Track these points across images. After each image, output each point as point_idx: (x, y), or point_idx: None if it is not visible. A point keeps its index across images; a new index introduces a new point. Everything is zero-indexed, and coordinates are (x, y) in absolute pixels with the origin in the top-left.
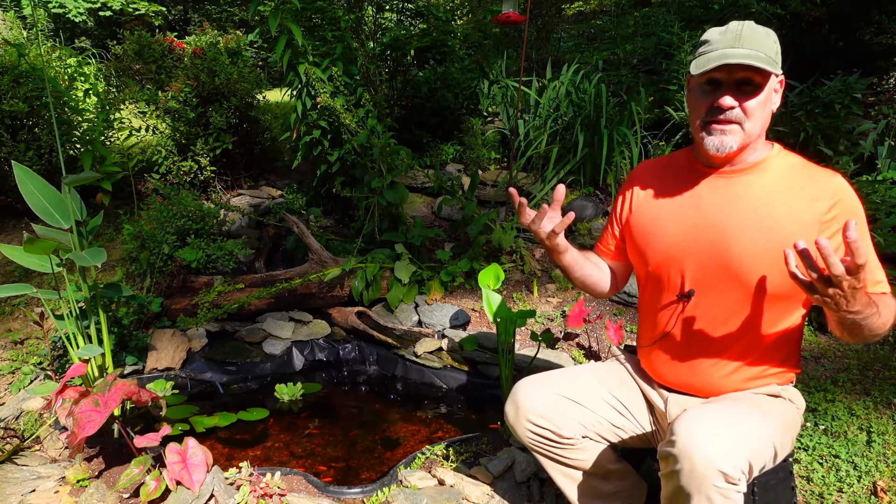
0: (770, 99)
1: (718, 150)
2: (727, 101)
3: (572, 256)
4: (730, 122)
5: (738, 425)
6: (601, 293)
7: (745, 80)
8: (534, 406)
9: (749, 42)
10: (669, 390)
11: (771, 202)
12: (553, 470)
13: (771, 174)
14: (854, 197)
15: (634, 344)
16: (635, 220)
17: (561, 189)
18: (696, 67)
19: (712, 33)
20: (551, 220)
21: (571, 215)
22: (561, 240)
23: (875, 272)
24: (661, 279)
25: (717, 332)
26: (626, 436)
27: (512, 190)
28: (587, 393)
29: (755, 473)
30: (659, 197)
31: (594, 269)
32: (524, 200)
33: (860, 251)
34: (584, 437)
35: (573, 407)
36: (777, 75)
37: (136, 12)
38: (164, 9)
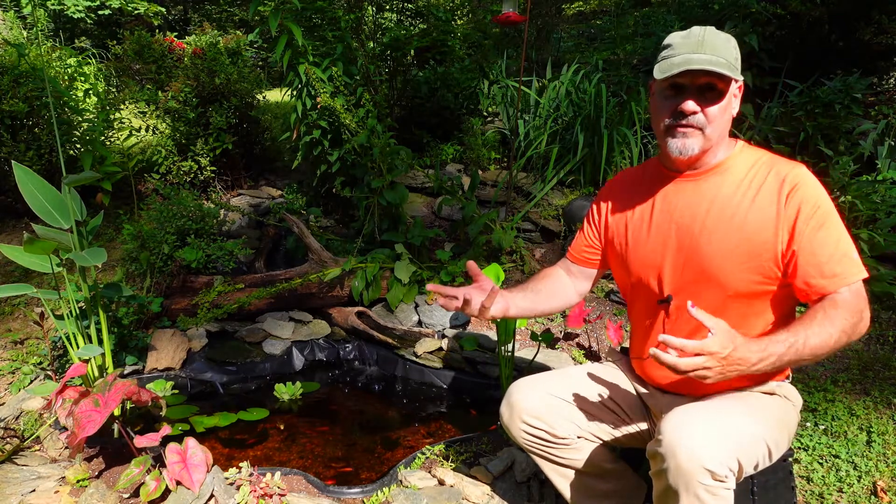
0: (730, 104)
1: (681, 152)
2: (690, 105)
3: (518, 308)
4: (691, 126)
5: (725, 423)
6: (566, 309)
7: (708, 86)
8: (528, 406)
9: (711, 48)
10: (663, 392)
11: (736, 200)
12: (549, 470)
13: (734, 172)
14: (814, 185)
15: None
16: (614, 234)
17: (472, 265)
18: (660, 72)
19: (674, 38)
20: (479, 296)
21: (496, 289)
22: (496, 308)
23: (833, 265)
24: (642, 287)
25: (701, 334)
26: (622, 436)
27: (431, 287)
28: (582, 393)
29: (748, 471)
30: (632, 207)
31: (546, 300)
32: (440, 299)
33: (682, 345)
34: (578, 437)
35: (567, 407)
36: (737, 81)
37: (136, 11)
38: (163, 9)
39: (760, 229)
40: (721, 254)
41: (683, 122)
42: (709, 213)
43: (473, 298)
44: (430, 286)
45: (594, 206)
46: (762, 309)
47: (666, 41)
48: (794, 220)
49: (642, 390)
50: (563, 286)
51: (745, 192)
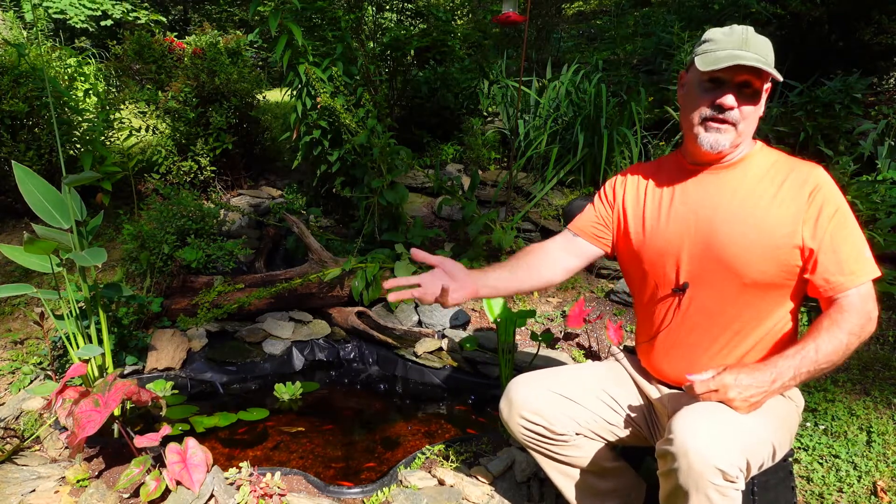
0: (762, 103)
1: (713, 147)
2: (730, 100)
3: (490, 287)
4: (727, 122)
5: (735, 423)
6: (546, 287)
7: (746, 83)
8: (527, 402)
9: (755, 47)
10: (669, 387)
11: (756, 194)
12: (548, 467)
13: (755, 168)
14: (833, 186)
15: (633, 344)
16: (629, 219)
17: (416, 252)
18: (705, 64)
19: (715, 33)
20: (435, 281)
21: (454, 272)
22: (460, 293)
23: (851, 263)
24: (657, 275)
25: (713, 325)
26: (622, 434)
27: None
28: (581, 390)
29: (754, 471)
30: (651, 197)
31: (525, 275)
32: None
33: (690, 391)
34: (577, 434)
35: (566, 403)
36: (770, 83)
37: (137, 21)
38: (164, 19)
39: (781, 224)
40: (740, 244)
41: (721, 116)
42: (730, 205)
43: (427, 285)
44: (385, 283)
45: (608, 187)
46: (774, 301)
47: (706, 36)
48: (816, 219)
49: (646, 386)
50: (550, 260)
51: (766, 188)
